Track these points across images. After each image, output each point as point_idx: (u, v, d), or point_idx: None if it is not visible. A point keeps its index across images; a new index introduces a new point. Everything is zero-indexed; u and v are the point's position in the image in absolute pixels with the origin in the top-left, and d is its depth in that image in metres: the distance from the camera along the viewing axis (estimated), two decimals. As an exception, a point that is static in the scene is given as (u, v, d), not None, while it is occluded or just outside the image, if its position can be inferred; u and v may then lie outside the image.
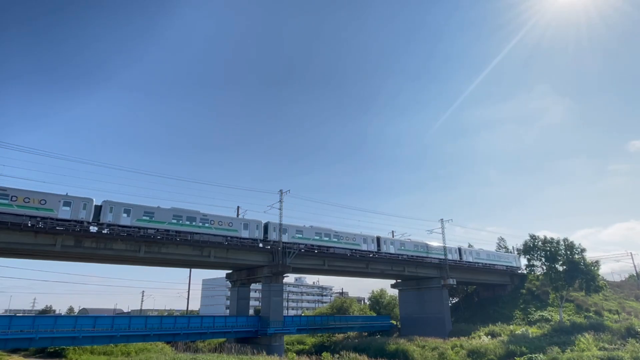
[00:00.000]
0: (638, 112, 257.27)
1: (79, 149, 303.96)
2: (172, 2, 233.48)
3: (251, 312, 72.54)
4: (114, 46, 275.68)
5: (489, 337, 49.61)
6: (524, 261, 79.68)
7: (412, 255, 61.14)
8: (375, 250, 57.60)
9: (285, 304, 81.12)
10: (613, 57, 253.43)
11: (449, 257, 64.43)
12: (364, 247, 56.23)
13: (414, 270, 63.02)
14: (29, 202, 35.18)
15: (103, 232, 38.51)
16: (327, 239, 53.27)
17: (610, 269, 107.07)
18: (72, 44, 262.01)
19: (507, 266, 74.05)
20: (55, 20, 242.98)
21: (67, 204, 36.88)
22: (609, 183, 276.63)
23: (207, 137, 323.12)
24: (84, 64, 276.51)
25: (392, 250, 59.24)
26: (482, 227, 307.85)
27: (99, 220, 38.35)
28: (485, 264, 70.20)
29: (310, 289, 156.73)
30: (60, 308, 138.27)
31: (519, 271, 74.63)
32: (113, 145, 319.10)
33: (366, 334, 62.61)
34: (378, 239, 58.78)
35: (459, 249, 67.89)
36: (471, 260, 68.35)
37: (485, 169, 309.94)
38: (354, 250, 55.15)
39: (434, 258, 63.15)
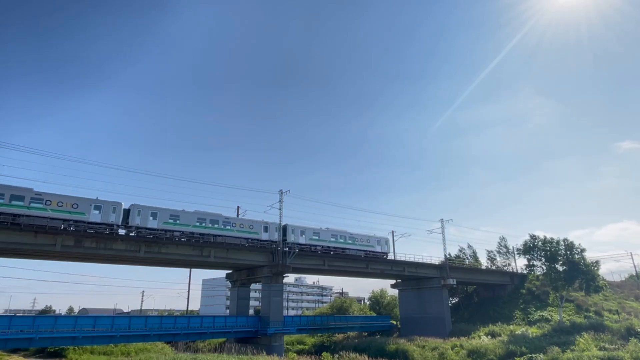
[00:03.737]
0: (624, 113, 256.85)
1: (79, 148, 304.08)
2: (171, 2, 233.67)
3: (251, 312, 72.56)
4: (112, 46, 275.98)
5: (489, 337, 49.62)
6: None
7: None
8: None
9: (285, 304, 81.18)
10: (605, 58, 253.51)
11: (264, 237, 48.14)
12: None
13: (414, 270, 63.03)
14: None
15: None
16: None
17: (607, 269, 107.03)
18: (70, 44, 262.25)
19: (366, 251, 57.77)
20: (53, 20, 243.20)
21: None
22: (599, 184, 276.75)
23: (207, 137, 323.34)
24: (83, 64, 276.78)
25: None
26: (476, 227, 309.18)
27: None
28: (328, 247, 53.53)
29: (310, 289, 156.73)
30: (60, 308, 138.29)
31: (384, 256, 59.74)
32: (112, 144, 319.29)
33: (366, 334, 62.63)
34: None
35: (285, 227, 50.45)
36: (303, 242, 51.10)
37: (477, 170, 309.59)
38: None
39: (241, 238, 46.82)
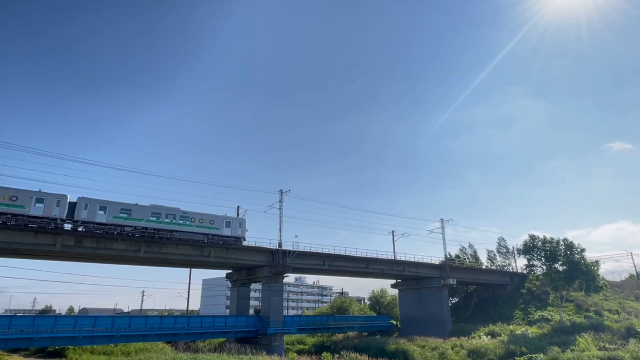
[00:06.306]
0: (615, 115, 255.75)
1: (79, 148, 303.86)
2: (182, 5, 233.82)
3: (251, 312, 72.57)
4: (113, 47, 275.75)
5: (489, 337, 49.69)
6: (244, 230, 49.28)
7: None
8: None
9: (285, 304, 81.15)
10: (603, 57, 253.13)
11: (36, 212, 35.91)
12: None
13: (414, 270, 63.07)
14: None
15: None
16: None
17: (606, 269, 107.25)
18: (76, 55, 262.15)
19: (209, 234, 45.90)
20: (75, 33, 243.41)
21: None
22: (592, 185, 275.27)
23: (207, 137, 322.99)
24: (87, 70, 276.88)
25: None
26: (473, 227, 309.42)
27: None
28: (145, 227, 41.53)
29: (310, 289, 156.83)
30: (60, 308, 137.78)
31: (236, 241, 47.64)
32: (111, 144, 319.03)
33: (366, 333, 62.71)
34: None
35: (74, 204, 38.52)
36: (103, 222, 39.13)
37: (473, 171, 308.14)
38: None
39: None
